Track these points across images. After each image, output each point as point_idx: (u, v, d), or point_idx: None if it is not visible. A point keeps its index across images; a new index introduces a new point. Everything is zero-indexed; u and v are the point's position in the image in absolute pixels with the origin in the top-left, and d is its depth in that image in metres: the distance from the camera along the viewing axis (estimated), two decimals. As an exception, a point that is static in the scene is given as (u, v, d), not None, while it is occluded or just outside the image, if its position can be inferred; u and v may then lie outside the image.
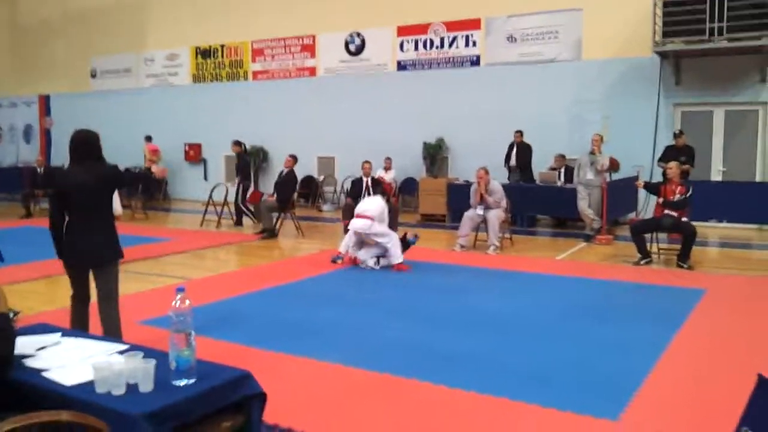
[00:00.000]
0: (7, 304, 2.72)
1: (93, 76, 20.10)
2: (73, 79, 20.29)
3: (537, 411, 3.95)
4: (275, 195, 11.63)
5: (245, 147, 13.38)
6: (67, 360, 2.77)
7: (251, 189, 13.03)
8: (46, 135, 21.24)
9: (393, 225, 10.66)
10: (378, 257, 8.62)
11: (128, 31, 19.07)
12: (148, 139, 17.63)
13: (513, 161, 12.96)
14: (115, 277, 4.70)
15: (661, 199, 8.80)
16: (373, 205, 8.84)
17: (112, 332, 4.54)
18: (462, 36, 14.60)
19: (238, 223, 12.66)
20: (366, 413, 3.97)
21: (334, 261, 8.77)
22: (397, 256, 8.48)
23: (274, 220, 11.45)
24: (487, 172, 9.97)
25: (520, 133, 12.90)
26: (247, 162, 13.20)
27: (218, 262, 9.53)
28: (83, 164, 4.52)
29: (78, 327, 4.55)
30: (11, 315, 2.73)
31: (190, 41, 18.15)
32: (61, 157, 19.89)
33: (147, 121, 18.41)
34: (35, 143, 21.44)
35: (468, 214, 9.95)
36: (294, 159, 11.87)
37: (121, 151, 17.73)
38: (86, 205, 4.52)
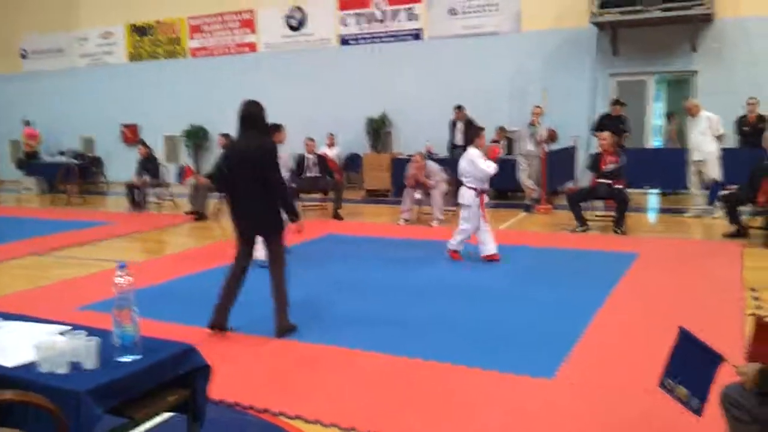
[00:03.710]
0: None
1: (23, 56, 19.37)
2: (2, 59, 19.51)
3: (478, 374, 4.11)
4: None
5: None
6: (7, 342, 2.76)
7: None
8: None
9: (338, 202, 10.74)
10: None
11: (59, 9, 18.39)
12: (27, 123, 16.90)
13: (458, 140, 12.73)
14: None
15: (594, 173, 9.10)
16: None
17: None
18: (404, 9, 14.59)
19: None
20: (315, 384, 4.05)
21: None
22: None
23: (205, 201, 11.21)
24: (423, 157, 10.13)
25: (459, 108, 12.75)
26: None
27: (159, 244, 9.42)
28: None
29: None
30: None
31: (125, 18, 17.64)
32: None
33: (81, 102, 17.87)
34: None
35: (408, 189, 10.07)
36: (227, 137, 11.60)
37: (55, 133, 17.36)
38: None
